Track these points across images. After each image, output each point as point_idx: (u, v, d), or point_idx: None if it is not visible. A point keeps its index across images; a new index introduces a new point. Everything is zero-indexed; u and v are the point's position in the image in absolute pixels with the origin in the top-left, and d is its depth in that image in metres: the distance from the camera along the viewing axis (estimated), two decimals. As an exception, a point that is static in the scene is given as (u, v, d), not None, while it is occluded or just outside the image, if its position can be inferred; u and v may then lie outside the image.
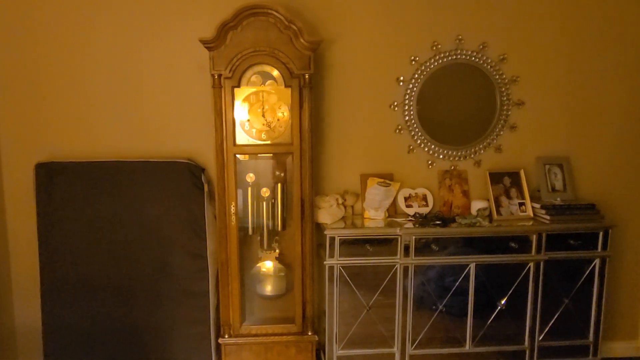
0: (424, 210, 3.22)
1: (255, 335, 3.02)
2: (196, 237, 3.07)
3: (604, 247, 3.09)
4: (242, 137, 2.91)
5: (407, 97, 3.22)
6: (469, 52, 3.21)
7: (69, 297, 3.05)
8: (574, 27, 3.25)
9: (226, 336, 3.00)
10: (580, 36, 3.26)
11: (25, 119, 3.09)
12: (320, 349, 3.17)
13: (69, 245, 3.04)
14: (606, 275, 3.11)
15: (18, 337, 3.23)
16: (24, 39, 3.04)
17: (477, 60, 3.22)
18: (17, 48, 3.04)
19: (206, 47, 2.77)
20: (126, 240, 3.04)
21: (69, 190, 3.03)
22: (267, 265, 3.15)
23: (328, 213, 3.09)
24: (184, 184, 3.06)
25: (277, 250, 3.13)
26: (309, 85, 2.84)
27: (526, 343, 3.11)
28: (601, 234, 3.08)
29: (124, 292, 3.06)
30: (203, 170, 3.10)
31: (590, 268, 3.11)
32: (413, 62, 3.19)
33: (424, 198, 3.25)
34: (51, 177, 3.03)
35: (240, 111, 2.88)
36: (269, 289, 3.17)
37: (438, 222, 3.04)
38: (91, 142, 3.13)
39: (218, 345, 3.05)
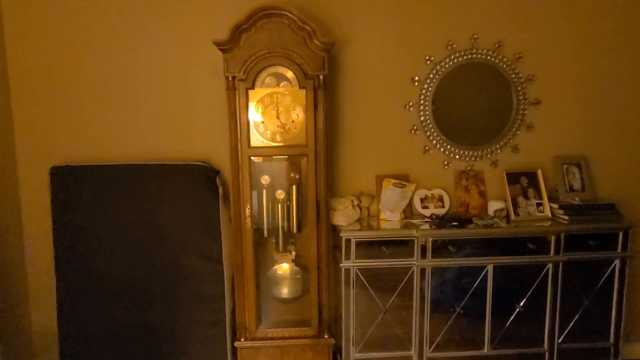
0: (441, 212, 3.18)
1: (272, 338, 3.00)
2: (211, 240, 3.05)
3: (624, 247, 3.04)
4: (257, 139, 2.89)
5: (422, 97, 3.19)
6: (485, 51, 3.17)
7: (85, 300, 3.05)
8: (590, 25, 3.20)
9: (242, 339, 2.98)
10: (597, 34, 3.21)
11: (40, 122, 3.10)
12: (337, 352, 3.14)
13: (85, 249, 3.04)
14: (626, 277, 3.06)
15: (35, 341, 3.23)
16: (39, 42, 3.05)
17: (493, 59, 3.18)
18: (32, 52, 3.05)
19: (220, 49, 2.76)
20: (141, 243, 3.04)
21: (84, 193, 3.03)
22: (284, 268, 3.13)
23: (343, 215, 3.07)
24: (198, 187, 3.05)
25: (294, 252, 3.11)
26: (324, 86, 2.82)
27: (545, 345, 3.06)
28: (621, 234, 3.03)
29: (140, 295, 3.05)
30: (217, 172, 3.09)
31: (610, 269, 3.05)
32: (428, 62, 3.16)
33: (440, 199, 3.22)
34: (66, 180, 3.03)
35: (255, 113, 2.87)
36: (285, 291, 3.15)
37: (455, 223, 3.01)
38: (106, 145, 3.13)
39: (234, 349, 3.03)
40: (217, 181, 3.06)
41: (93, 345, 3.07)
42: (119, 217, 3.04)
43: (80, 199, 3.03)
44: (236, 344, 2.99)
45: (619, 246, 3.04)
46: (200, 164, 3.07)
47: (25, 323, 3.20)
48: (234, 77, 2.80)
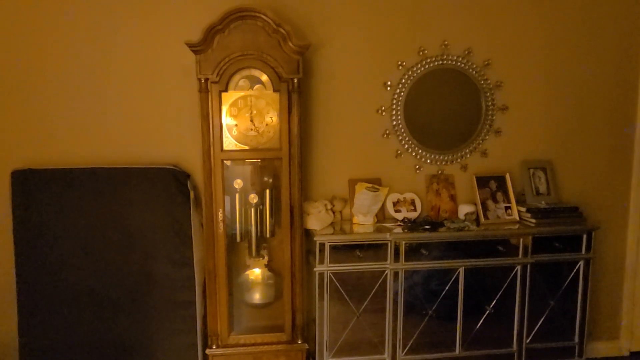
0: (413, 215, 3.21)
1: (244, 345, 2.95)
2: (182, 245, 2.99)
3: (588, 249, 3.14)
4: (230, 143, 2.84)
5: (395, 101, 3.22)
6: (455, 57, 3.23)
7: (48, 310, 2.93)
8: (555, 34, 3.31)
9: (214, 347, 2.92)
10: (562, 42, 3.32)
11: (0, 124, 2.96)
12: (310, 357, 3.12)
13: (48, 256, 2.91)
14: (590, 277, 3.16)
15: (-8, 354, 3.08)
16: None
17: (463, 65, 3.24)
18: (-9, 50, 2.92)
19: (193, 51, 2.71)
20: (108, 250, 2.94)
21: (47, 198, 2.91)
22: (256, 273, 3.09)
23: (317, 219, 3.05)
24: (168, 191, 2.98)
25: (266, 258, 3.07)
26: (298, 90, 2.81)
27: (514, 346, 3.13)
28: (585, 236, 3.14)
29: (107, 303, 2.95)
30: (188, 176, 3.03)
31: (574, 270, 3.15)
32: (400, 67, 3.19)
33: (412, 203, 3.25)
34: (28, 185, 2.90)
35: (228, 116, 2.82)
36: (257, 297, 3.11)
37: (427, 227, 3.04)
38: (71, 148, 3.01)
39: (205, 357, 2.97)
40: (188, 185, 3.00)
41: (56, 357, 2.94)
42: (84, 223, 2.93)
43: (43, 205, 2.91)
44: (208, 351, 2.93)
45: (583, 248, 3.14)
46: (170, 167, 3.00)
47: (-18, 335, 3.04)
48: (206, 79, 2.75)
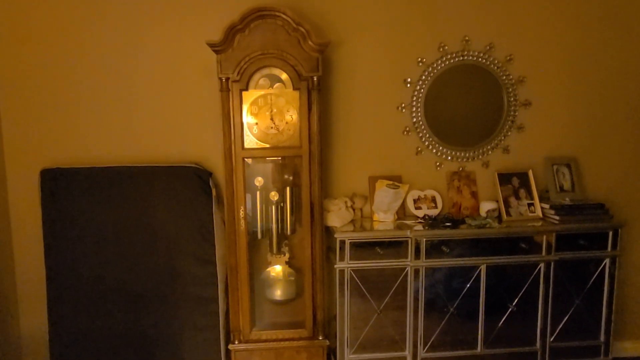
0: (433, 212, 3.20)
1: (266, 340, 2.98)
2: (205, 242, 3.03)
3: (614, 246, 3.09)
4: (251, 141, 2.88)
5: (415, 98, 3.20)
6: (476, 53, 3.20)
7: (76, 304, 3.01)
8: (579, 27, 3.25)
9: (236, 342, 2.97)
10: (586, 35, 3.26)
11: (30, 124, 3.06)
12: (331, 353, 3.14)
13: (76, 252, 3.00)
14: (616, 275, 3.10)
15: (24, 346, 3.18)
16: (28, 43, 3.01)
17: (484, 61, 3.21)
18: (22, 53, 3.01)
19: (214, 51, 2.75)
20: (133, 246, 3.01)
21: (74, 196, 2.99)
22: (277, 270, 3.12)
23: (337, 216, 3.07)
24: (191, 189, 3.03)
25: (287, 254, 3.10)
26: (318, 88, 2.82)
27: (538, 344, 3.09)
28: (611, 233, 3.08)
29: (132, 298, 3.02)
30: (210, 174, 3.08)
31: (600, 268, 3.09)
32: (420, 64, 3.18)
33: (433, 200, 3.24)
34: (57, 183, 2.99)
35: (249, 114, 2.86)
36: (278, 293, 3.13)
37: (448, 224, 3.03)
38: (97, 147, 3.10)
39: (228, 352, 3.01)
40: (210, 183, 3.04)
41: (84, 351, 3.02)
42: (110, 219, 3.00)
43: (71, 202, 2.99)
44: (230, 346, 2.97)
45: (609, 245, 3.08)
46: (193, 165, 3.05)
47: (14, 328, 3.14)
48: (227, 79, 2.79)
